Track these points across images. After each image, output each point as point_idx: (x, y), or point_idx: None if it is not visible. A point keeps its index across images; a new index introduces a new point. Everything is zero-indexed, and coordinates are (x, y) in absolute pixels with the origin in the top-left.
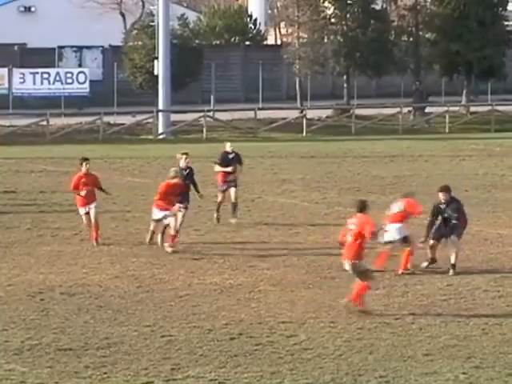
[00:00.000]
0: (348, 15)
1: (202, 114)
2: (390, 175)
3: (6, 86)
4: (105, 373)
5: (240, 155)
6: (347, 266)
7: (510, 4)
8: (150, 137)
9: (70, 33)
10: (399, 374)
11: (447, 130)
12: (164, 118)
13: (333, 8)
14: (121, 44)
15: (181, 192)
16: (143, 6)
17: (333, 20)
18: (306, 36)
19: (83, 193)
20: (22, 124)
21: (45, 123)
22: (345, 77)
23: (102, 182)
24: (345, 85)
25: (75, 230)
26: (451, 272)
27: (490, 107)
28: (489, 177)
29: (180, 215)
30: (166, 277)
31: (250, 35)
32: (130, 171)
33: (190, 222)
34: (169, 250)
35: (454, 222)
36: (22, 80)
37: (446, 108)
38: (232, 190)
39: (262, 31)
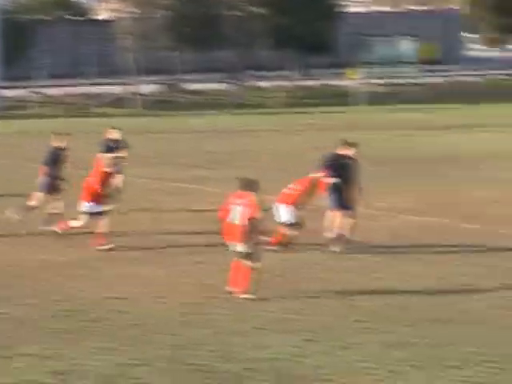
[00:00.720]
0: None
1: (32, 89)
2: (222, 151)
3: None
4: None
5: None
6: (236, 247)
7: None
8: None
9: None
10: (232, 348)
11: (279, 105)
12: None
13: None
14: None
15: None
16: None
17: None
18: (137, 11)
19: None
20: None
21: None
22: (175, 52)
23: None
24: (175, 60)
25: None
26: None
27: (321, 81)
28: (321, 151)
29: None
30: None
31: (81, 10)
32: None
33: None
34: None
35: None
36: None
37: (277, 83)
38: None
39: (93, 6)
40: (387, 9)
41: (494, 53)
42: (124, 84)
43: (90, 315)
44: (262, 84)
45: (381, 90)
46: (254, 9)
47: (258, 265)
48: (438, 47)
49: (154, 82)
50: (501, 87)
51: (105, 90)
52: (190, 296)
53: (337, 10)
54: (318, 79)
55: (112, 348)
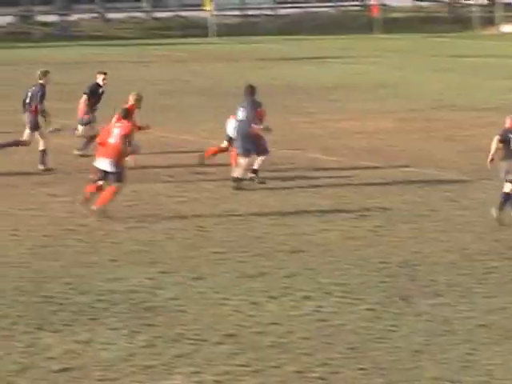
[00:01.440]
0: None
1: None
2: (72, 82)
3: None
4: None
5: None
6: (105, 164)
7: None
8: None
9: None
10: (85, 281)
11: (131, 36)
12: None
13: None
14: None
15: None
16: None
17: None
18: None
19: None
20: None
21: None
22: None
23: None
24: None
25: None
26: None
27: (173, 13)
28: (174, 83)
29: None
30: None
31: None
32: None
33: None
34: None
35: None
36: None
37: (128, 14)
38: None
39: None
40: None
41: None
42: None
43: None
44: (114, 15)
45: (235, 21)
46: None
47: (121, 185)
48: None
49: (4, 14)
50: (350, 18)
51: None
52: (41, 229)
53: None
54: (173, 10)
55: None
